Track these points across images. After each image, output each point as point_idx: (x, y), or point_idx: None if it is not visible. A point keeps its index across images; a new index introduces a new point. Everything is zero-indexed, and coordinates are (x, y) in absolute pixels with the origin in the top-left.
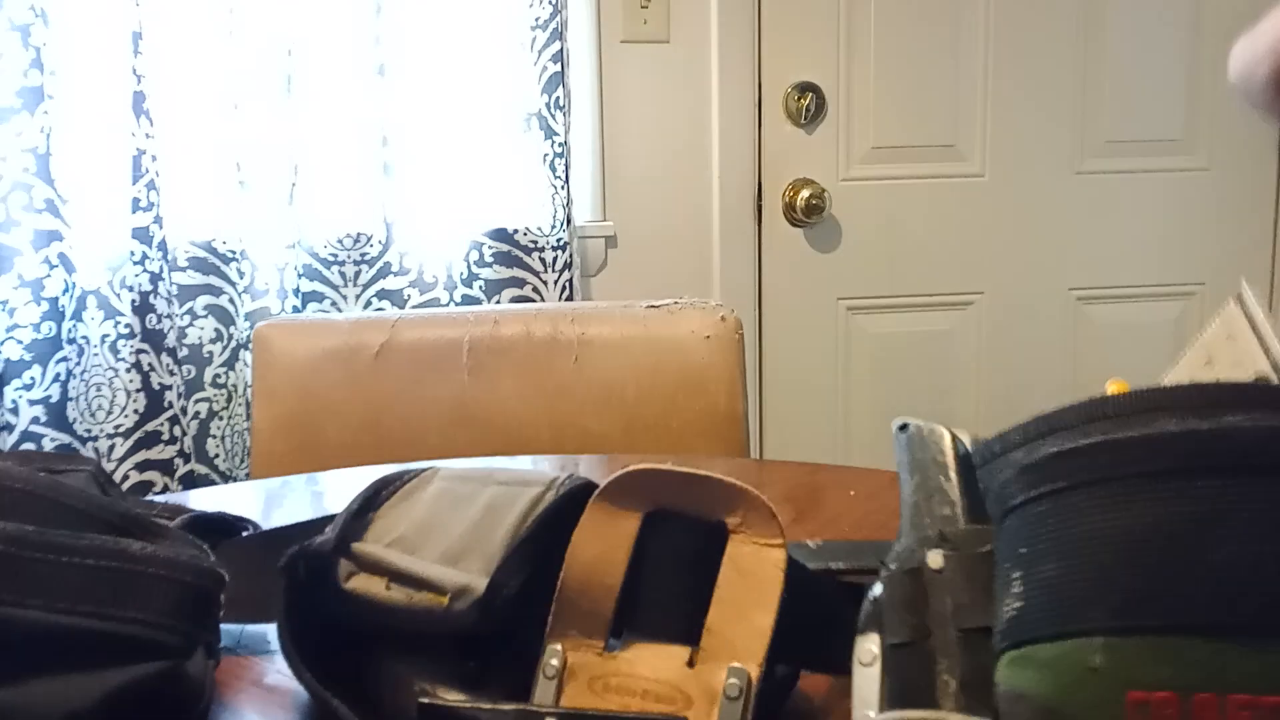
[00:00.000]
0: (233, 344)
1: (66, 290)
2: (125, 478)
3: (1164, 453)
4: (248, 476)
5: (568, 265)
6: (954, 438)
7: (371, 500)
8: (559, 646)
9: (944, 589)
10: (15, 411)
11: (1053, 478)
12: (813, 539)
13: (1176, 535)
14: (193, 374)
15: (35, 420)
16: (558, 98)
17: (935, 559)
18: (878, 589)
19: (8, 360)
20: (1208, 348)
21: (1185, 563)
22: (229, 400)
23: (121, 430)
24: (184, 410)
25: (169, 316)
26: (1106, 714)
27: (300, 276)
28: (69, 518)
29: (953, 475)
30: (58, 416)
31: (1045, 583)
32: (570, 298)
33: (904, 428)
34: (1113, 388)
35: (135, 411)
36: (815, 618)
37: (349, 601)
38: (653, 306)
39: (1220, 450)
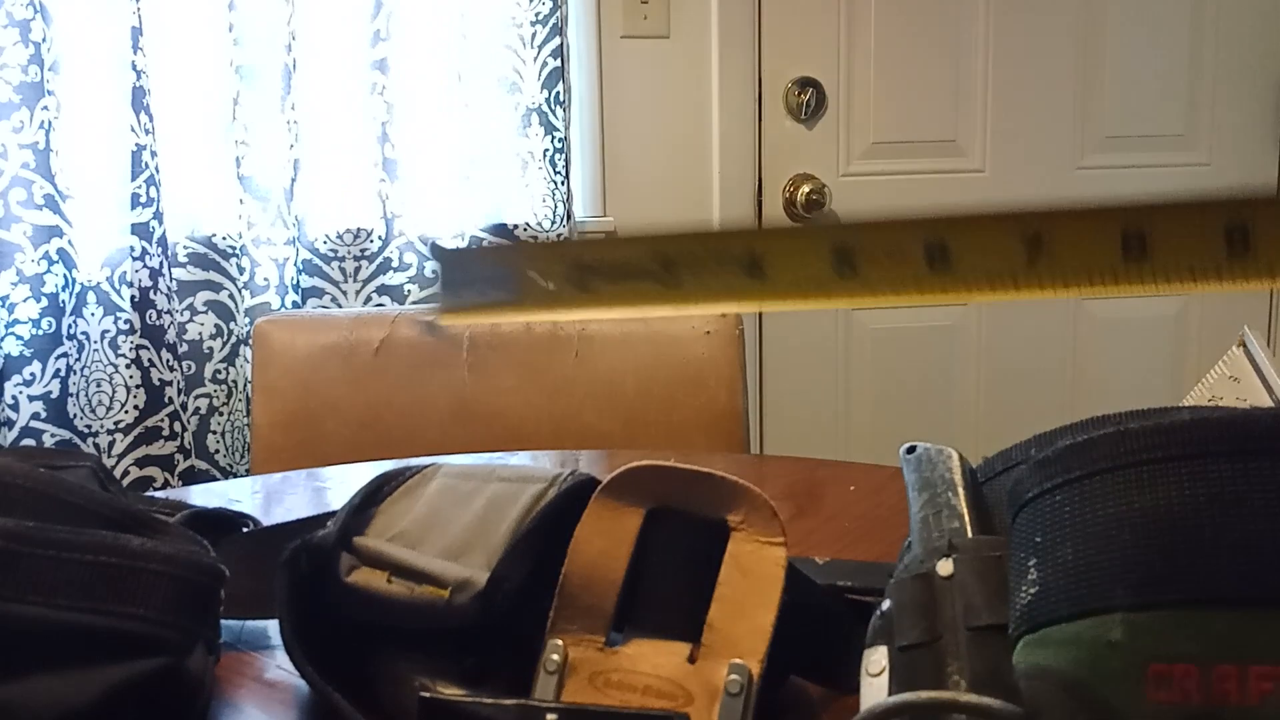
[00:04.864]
0: (233, 340)
1: (66, 286)
2: (125, 473)
3: (1178, 439)
4: (248, 472)
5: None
6: (961, 457)
7: (373, 495)
8: (560, 642)
9: (954, 593)
10: (15, 407)
11: (1067, 468)
12: (820, 555)
13: (1195, 515)
14: (193, 370)
15: (35, 416)
16: (558, 93)
17: (945, 566)
18: (886, 603)
19: (8, 356)
20: (1212, 388)
21: (1204, 540)
22: (229, 396)
23: (122, 426)
24: (184, 406)
25: (169, 312)
26: (1128, 686)
27: (300, 272)
28: (69, 514)
29: (960, 492)
30: (58, 412)
31: (1063, 567)
32: None
33: (911, 450)
34: None
35: (135, 407)
36: (819, 628)
37: (350, 595)
38: None
39: (1234, 435)
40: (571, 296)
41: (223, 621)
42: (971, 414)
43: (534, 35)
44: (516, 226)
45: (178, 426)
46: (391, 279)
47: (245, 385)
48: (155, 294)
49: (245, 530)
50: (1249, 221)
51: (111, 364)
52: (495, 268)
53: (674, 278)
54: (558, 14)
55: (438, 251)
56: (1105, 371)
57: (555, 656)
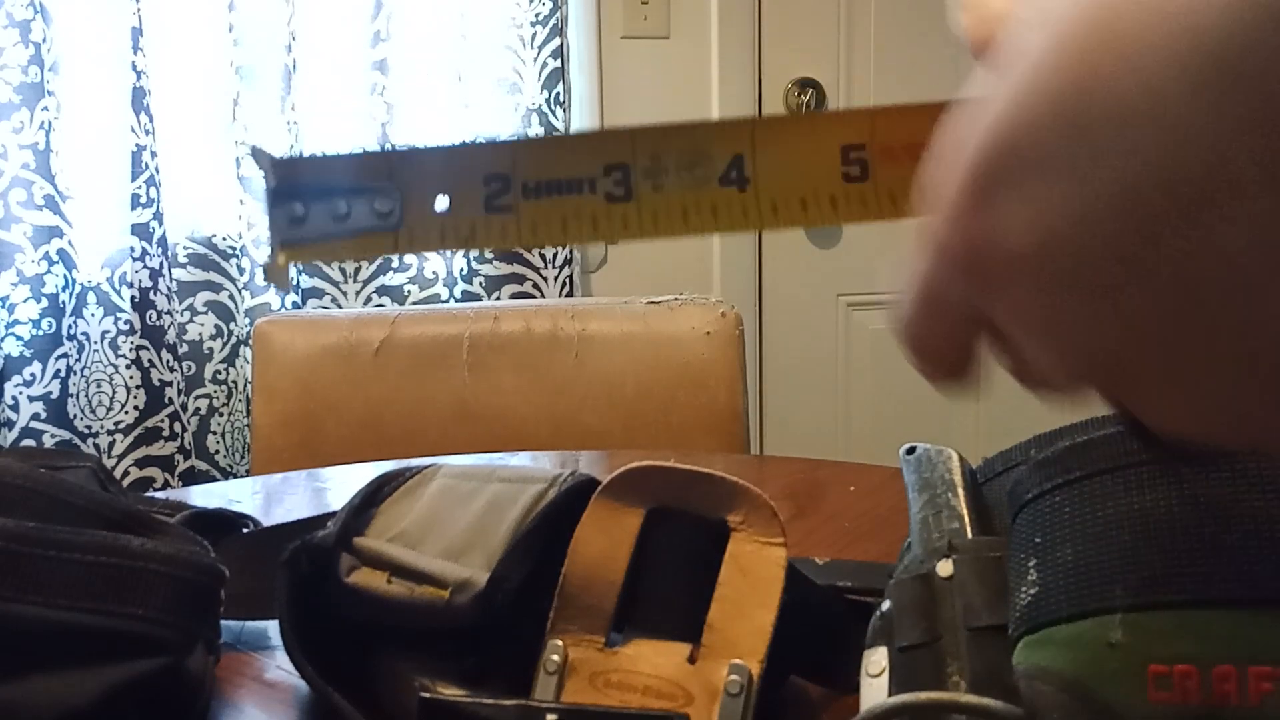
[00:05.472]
0: (233, 340)
1: (66, 286)
2: (125, 474)
3: None
4: (248, 473)
5: (568, 261)
6: (961, 458)
7: (373, 496)
8: (560, 642)
9: (954, 593)
10: (15, 408)
11: (1067, 469)
12: (820, 555)
13: (1195, 516)
14: (193, 370)
15: (35, 416)
16: (558, 93)
17: (945, 567)
18: (886, 604)
19: (8, 356)
20: None
21: (1204, 541)
22: (229, 396)
23: (122, 426)
24: (184, 406)
25: (169, 313)
26: (1128, 686)
27: (300, 272)
28: (69, 514)
29: (960, 492)
30: (58, 413)
31: (1063, 567)
32: (570, 294)
33: (911, 450)
34: None
35: (135, 408)
36: (819, 628)
37: (350, 596)
38: (653, 303)
39: None
40: (474, 222)
41: (223, 621)
42: (971, 414)
43: (534, 36)
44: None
45: (178, 427)
46: (391, 279)
47: (245, 386)
48: (155, 294)
49: (245, 530)
50: None
51: (111, 364)
52: (358, 178)
53: (630, 190)
54: (558, 14)
55: (265, 158)
56: None
57: (555, 657)
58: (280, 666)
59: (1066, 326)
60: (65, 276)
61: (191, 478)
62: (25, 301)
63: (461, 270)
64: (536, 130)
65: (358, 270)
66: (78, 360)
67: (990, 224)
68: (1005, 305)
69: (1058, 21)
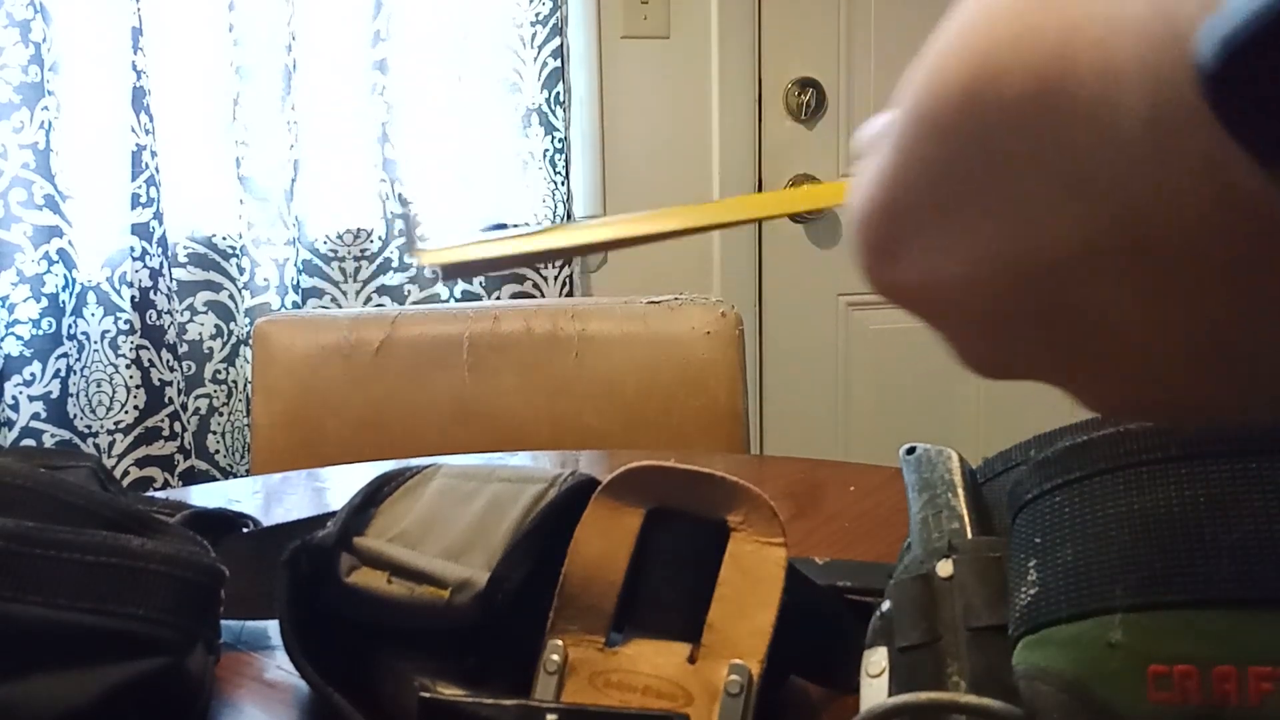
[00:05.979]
0: (233, 340)
1: (67, 286)
2: (125, 474)
3: (1177, 440)
4: (248, 472)
5: (568, 261)
6: (961, 458)
7: (373, 496)
8: (560, 642)
9: (954, 593)
10: (15, 408)
11: (1067, 469)
12: (820, 555)
13: (1193, 516)
14: (193, 370)
15: (35, 416)
16: (558, 93)
17: (945, 567)
18: (886, 604)
19: (8, 356)
20: None
21: (1203, 541)
22: (229, 396)
23: (122, 426)
24: (184, 406)
25: (169, 312)
26: (1128, 687)
27: (300, 272)
28: (69, 514)
29: (960, 492)
30: (58, 412)
31: (1063, 568)
32: (570, 293)
33: (911, 450)
34: None
35: (135, 407)
36: (819, 628)
37: (350, 596)
38: (653, 302)
39: (1232, 436)
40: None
41: (223, 621)
42: (971, 414)
43: (534, 35)
44: (516, 227)
45: (178, 427)
46: (391, 279)
47: (245, 385)
48: (155, 294)
49: (245, 530)
50: None
51: (112, 364)
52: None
53: None
54: (558, 14)
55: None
56: None
57: (555, 656)
58: (280, 666)
59: (970, 348)
60: (65, 276)
61: (191, 477)
62: (25, 301)
63: None
64: (536, 130)
65: (358, 270)
66: (78, 360)
67: (889, 275)
68: (927, 322)
69: (921, 105)
